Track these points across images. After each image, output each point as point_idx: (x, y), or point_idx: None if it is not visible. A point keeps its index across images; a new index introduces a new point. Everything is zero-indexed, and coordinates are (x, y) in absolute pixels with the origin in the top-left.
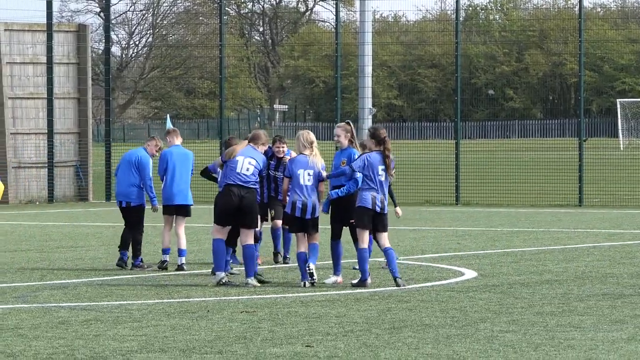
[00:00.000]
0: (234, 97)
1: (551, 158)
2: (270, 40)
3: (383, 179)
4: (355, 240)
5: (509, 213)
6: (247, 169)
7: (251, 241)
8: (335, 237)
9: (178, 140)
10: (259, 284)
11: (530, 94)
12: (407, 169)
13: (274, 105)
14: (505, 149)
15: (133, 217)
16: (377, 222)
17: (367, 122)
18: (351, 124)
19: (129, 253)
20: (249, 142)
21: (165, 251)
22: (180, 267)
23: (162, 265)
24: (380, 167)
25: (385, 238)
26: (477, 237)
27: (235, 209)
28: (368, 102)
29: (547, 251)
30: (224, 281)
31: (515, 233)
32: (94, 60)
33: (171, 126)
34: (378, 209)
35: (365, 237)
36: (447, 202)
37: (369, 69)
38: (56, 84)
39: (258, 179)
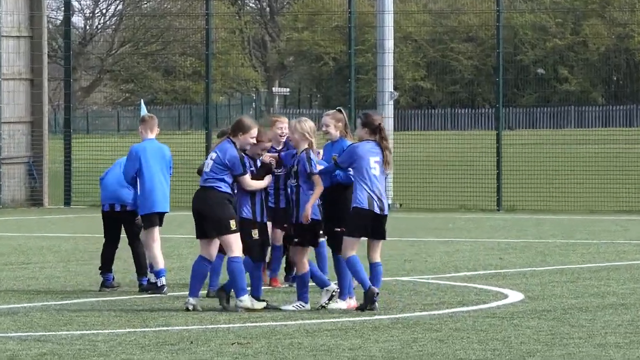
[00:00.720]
0: (223, 78)
1: (615, 153)
2: (268, 9)
3: (377, 172)
4: (336, 249)
5: (562, 221)
6: (207, 165)
7: (235, 253)
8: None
9: (153, 133)
10: (254, 306)
11: (589, 73)
12: (437, 167)
13: (273, 88)
14: (559, 141)
15: (132, 225)
16: (375, 226)
17: (388, 109)
18: (343, 111)
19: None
20: (228, 135)
21: (160, 273)
22: (154, 287)
23: (163, 291)
24: (373, 159)
25: (379, 250)
26: (523, 250)
27: (197, 216)
28: (389, 85)
29: (611, 268)
30: (190, 308)
31: (570, 246)
32: (50, 33)
33: (146, 113)
34: (377, 210)
35: (355, 247)
36: (487, 207)
37: (389, 44)
38: (4, 62)
39: (220, 176)
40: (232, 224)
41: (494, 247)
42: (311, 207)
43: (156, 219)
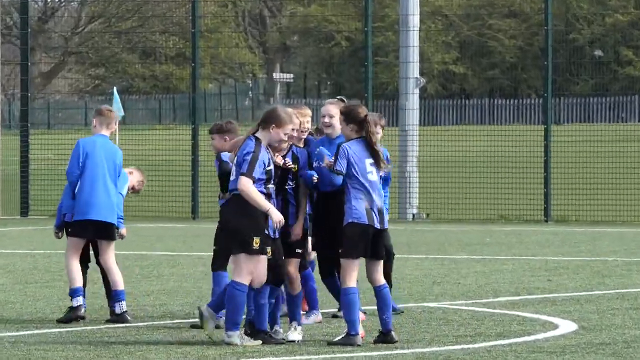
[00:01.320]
0: (213, 61)
1: None
2: None
3: (374, 177)
4: (328, 274)
5: (624, 235)
6: (232, 172)
7: (242, 278)
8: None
9: (108, 130)
10: (244, 344)
11: None
12: (471, 169)
13: (273, 74)
14: (620, 137)
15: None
16: (374, 243)
17: (413, 99)
18: (345, 100)
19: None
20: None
21: (76, 292)
22: (120, 317)
23: (76, 315)
24: (368, 162)
25: (381, 270)
26: (576, 270)
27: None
28: (414, 69)
29: None
30: (236, 342)
31: (634, 265)
32: (4, 7)
33: (120, 106)
34: (377, 224)
35: (355, 271)
36: (533, 218)
37: (414, 20)
38: None
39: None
40: (255, 242)
41: (541, 266)
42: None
43: (88, 228)
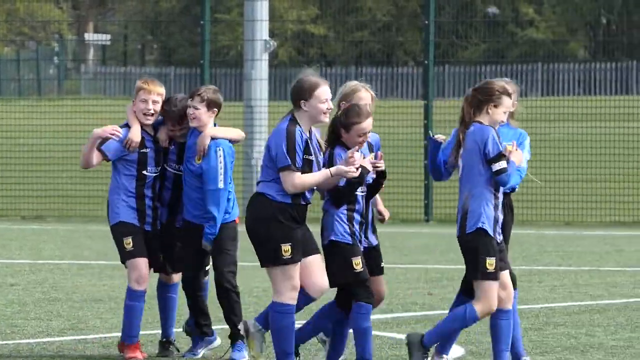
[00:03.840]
0: (9, 18)
1: (602, 133)
2: None
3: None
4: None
5: (523, 238)
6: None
7: (283, 297)
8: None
9: None
10: None
11: (566, 15)
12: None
13: (86, 35)
14: (519, 116)
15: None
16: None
17: (261, 67)
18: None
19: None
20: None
21: None
22: None
23: None
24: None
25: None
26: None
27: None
28: (262, 29)
29: (594, 309)
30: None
31: (535, 274)
32: None
33: None
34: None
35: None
36: (410, 217)
37: None
38: None
39: (271, 177)
40: (284, 250)
41: (420, 276)
42: None
43: None
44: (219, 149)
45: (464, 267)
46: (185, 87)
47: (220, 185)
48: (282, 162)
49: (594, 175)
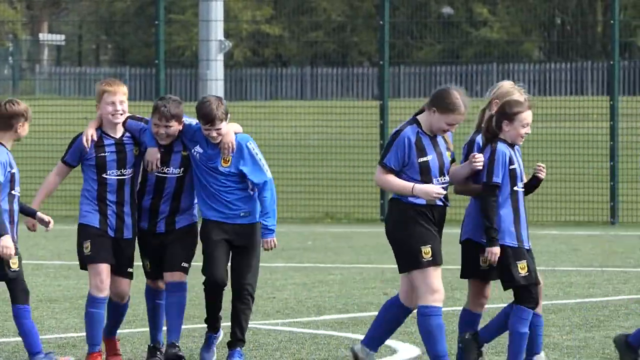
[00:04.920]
0: None
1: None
2: None
3: None
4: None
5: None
6: None
7: (426, 300)
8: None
9: None
10: None
11: (520, 15)
12: (291, 156)
13: (40, 35)
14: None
15: None
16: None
17: (216, 68)
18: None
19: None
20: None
21: None
22: None
23: None
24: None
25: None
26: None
27: None
28: (217, 30)
29: (550, 308)
30: None
31: None
32: None
33: None
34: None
35: None
36: (367, 216)
37: None
38: None
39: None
40: (424, 252)
41: (377, 276)
42: None
43: None
44: (250, 143)
45: None
46: (141, 87)
47: (269, 174)
48: (381, 156)
49: (549, 175)
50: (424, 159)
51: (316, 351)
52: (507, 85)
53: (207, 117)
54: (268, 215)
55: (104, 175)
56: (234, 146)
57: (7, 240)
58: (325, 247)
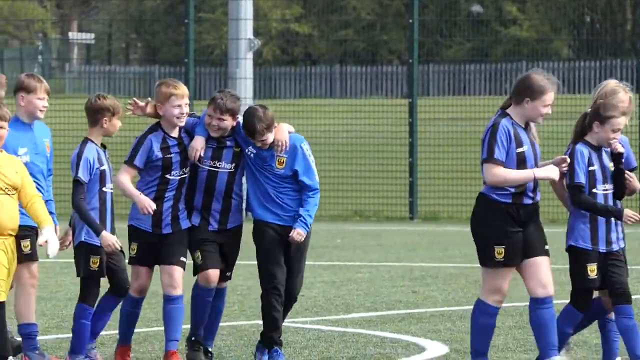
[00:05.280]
0: None
1: None
2: None
3: None
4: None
5: None
6: None
7: (489, 296)
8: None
9: None
10: None
11: (550, 13)
12: (321, 154)
13: (70, 34)
14: None
15: None
16: None
17: (245, 66)
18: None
19: None
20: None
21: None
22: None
23: None
24: None
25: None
26: (448, 280)
27: None
28: (246, 28)
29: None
30: None
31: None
32: None
33: None
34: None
35: None
36: (395, 214)
37: None
38: None
39: None
40: (497, 252)
41: (405, 274)
42: None
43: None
44: (304, 144)
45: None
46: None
47: (317, 178)
48: (482, 154)
49: None
50: (521, 149)
51: (344, 349)
52: (612, 83)
53: (248, 131)
54: (309, 213)
55: (167, 176)
56: (287, 144)
57: (107, 237)
58: (354, 245)
